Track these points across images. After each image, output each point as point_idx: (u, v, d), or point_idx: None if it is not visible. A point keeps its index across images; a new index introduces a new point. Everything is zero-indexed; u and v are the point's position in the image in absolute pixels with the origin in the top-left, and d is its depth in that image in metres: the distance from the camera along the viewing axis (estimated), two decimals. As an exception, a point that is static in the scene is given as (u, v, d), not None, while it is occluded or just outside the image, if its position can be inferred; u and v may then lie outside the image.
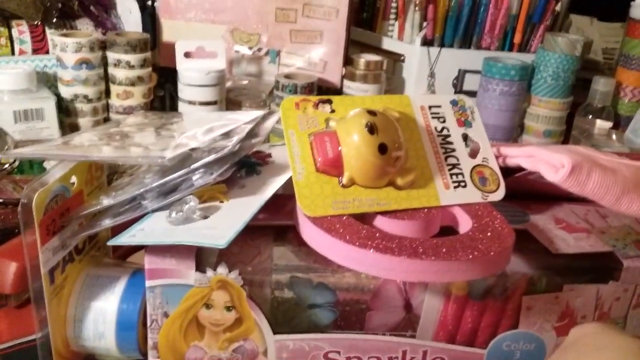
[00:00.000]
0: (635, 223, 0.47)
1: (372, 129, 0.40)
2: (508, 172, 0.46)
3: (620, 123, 0.85)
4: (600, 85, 0.81)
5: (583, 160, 0.42)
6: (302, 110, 0.43)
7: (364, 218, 0.41)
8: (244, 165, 0.45)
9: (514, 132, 0.83)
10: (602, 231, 0.46)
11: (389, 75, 0.88)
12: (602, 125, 0.80)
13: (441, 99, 0.48)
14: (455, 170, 0.44)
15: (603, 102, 0.81)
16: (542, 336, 0.43)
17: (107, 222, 0.41)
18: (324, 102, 0.44)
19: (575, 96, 0.83)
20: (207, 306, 0.40)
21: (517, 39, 0.85)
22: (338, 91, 0.83)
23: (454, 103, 0.47)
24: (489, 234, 0.39)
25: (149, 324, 0.41)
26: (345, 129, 0.41)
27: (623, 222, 0.47)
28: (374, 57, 0.81)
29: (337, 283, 0.41)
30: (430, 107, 0.47)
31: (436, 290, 0.41)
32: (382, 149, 0.40)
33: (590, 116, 0.81)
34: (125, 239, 0.38)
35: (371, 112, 0.42)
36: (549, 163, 0.43)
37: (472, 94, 0.83)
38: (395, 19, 0.87)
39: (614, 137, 0.80)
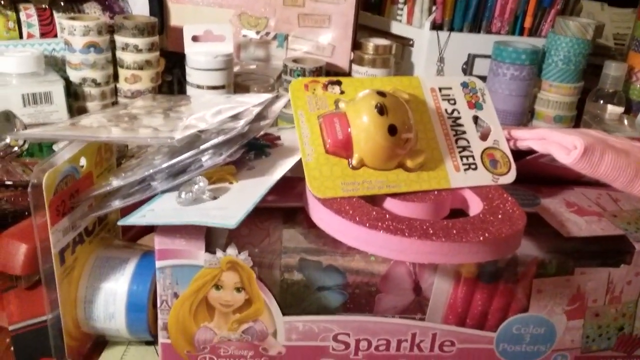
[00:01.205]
0: (647, 207, 0.47)
1: (381, 110, 0.40)
2: (519, 155, 0.46)
3: (631, 108, 0.84)
4: (612, 69, 0.80)
5: (595, 142, 0.42)
6: (311, 92, 0.43)
7: (374, 200, 0.40)
8: (253, 147, 0.45)
9: (524, 118, 0.82)
10: (614, 215, 0.45)
11: (398, 60, 0.87)
12: (613, 110, 0.79)
13: (451, 80, 0.47)
14: (465, 153, 0.44)
15: (614, 87, 0.80)
16: (552, 320, 0.43)
17: (117, 204, 0.41)
18: (333, 83, 0.44)
19: (585, 83, 0.82)
20: (217, 287, 0.40)
21: (528, 23, 0.84)
22: (346, 75, 0.82)
23: (464, 85, 0.47)
24: (499, 216, 0.39)
25: (159, 304, 0.41)
26: (354, 110, 0.41)
27: (635, 205, 0.47)
28: (382, 42, 0.81)
29: (347, 265, 0.41)
30: (440, 89, 0.46)
31: (446, 272, 0.41)
32: (392, 130, 0.40)
33: (602, 101, 0.81)
34: (134, 219, 0.38)
35: (381, 93, 0.41)
36: (561, 145, 0.42)
37: (482, 78, 0.81)
38: (404, 3, 0.86)
39: (625, 122, 0.79)
